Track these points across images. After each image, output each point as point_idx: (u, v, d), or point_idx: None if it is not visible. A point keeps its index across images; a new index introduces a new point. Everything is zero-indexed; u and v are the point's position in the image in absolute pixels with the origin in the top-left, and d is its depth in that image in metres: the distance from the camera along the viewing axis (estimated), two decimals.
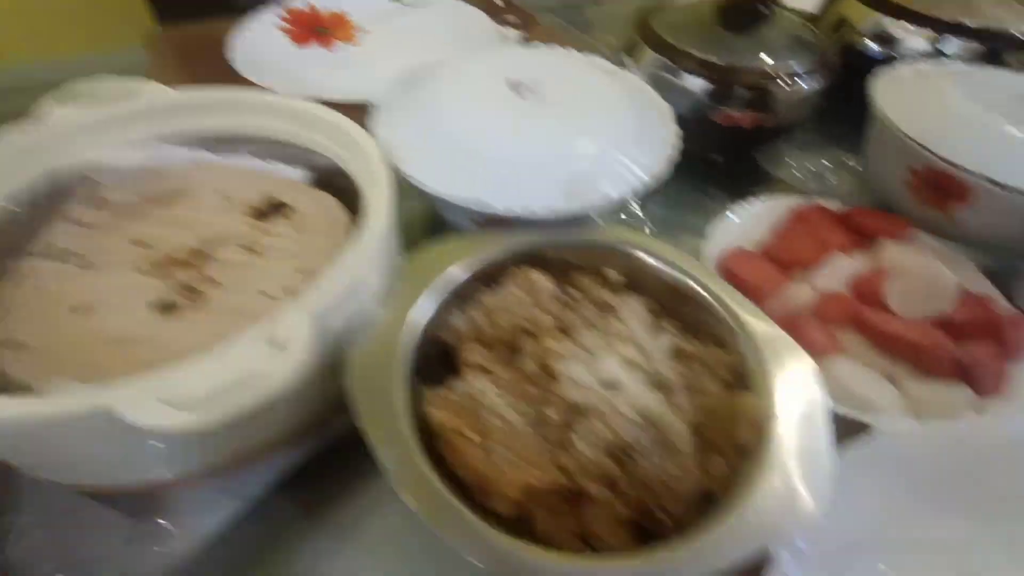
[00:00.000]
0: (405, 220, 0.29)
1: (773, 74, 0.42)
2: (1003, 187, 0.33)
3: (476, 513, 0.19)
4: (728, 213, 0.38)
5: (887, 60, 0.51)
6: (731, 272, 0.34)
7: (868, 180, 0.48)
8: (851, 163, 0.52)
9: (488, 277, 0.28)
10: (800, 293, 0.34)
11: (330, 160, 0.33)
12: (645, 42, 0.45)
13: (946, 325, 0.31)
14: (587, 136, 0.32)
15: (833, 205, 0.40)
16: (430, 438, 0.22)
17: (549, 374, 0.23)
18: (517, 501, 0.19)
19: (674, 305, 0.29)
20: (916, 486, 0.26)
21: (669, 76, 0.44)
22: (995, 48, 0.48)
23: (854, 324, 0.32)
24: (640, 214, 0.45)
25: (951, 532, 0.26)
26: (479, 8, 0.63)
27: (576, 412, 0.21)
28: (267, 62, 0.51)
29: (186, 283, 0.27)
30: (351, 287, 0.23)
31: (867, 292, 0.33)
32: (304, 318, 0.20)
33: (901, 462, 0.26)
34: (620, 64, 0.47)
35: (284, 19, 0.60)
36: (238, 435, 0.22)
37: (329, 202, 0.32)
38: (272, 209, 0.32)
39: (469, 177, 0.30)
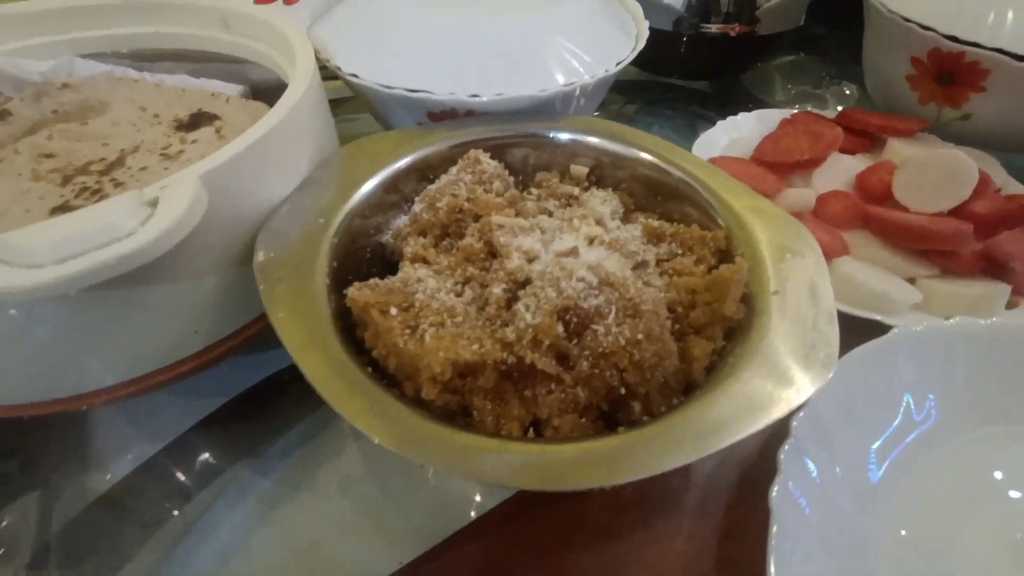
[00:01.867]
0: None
1: None
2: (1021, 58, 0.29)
3: (403, 402, 0.15)
4: (711, 129, 0.34)
5: None
6: None
7: (867, 97, 0.44)
8: (847, 90, 0.48)
9: (433, 172, 0.25)
10: (798, 195, 0.30)
11: (269, 72, 0.30)
12: None
13: (968, 216, 0.27)
14: (543, 28, 0.28)
15: (829, 115, 0.36)
16: (353, 331, 0.18)
17: (494, 253, 0.20)
18: (448, 383, 0.16)
19: (654, 196, 0.25)
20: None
21: None
22: None
23: (862, 222, 0.28)
24: None
25: None
26: None
27: (525, 285, 0.18)
28: None
29: (88, 186, 0.24)
30: (251, 156, 0.19)
31: (874, 189, 0.29)
32: (187, 179, 0.17)
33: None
34: None
35: None
36: (127, 326, 0.19)
37: (263, 111, 0.29)
38: (198, 121, 0.29)
39: (410, 70, 0.26)
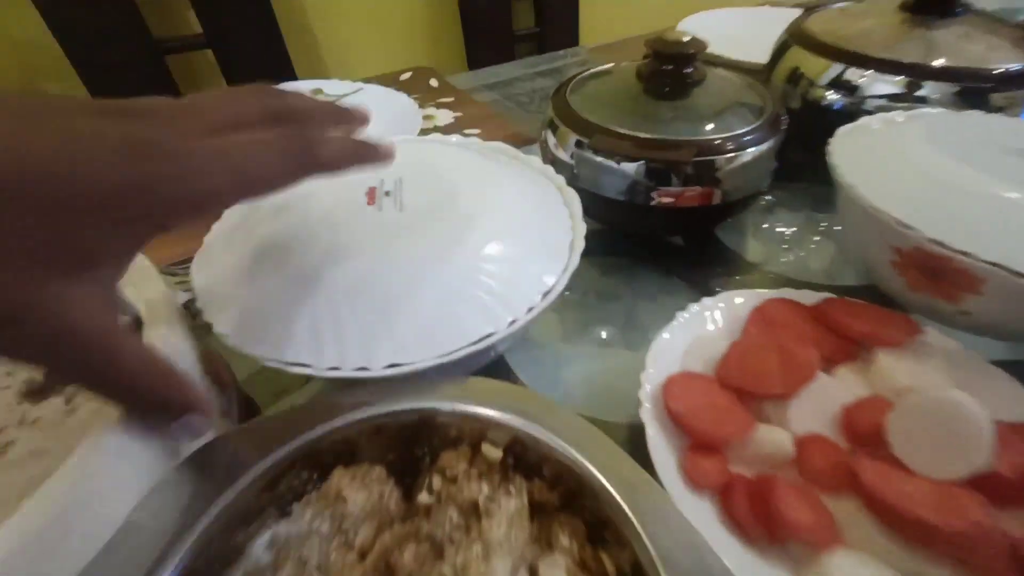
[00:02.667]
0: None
1: (713, 143, 0.35)
2: (1021, 275, 0.25)
3: None
4: (663, 332, 0.29)
5: (852, 111, 0.45)
6: (674, 412, 0.25)
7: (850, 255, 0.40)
8: (829, 225, 0.44)
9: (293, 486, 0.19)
10: (773, 441, 0.24)
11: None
12: (563, 121, 0.39)
13: (990, 485, 0.22)
14: (458, 252, 0.24)
15: (805, 296, 0.32)
16: None
17: None
18: None
19: (572, 492, 0.20)
20: None
21: (596, 158, 0.37)
22: (973, 89, 0.41)
23: (850, 488, 0.23)
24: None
25: None
26: (412, 92, 0.59)
27: None
28: None
29: None
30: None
31: (864, 431, 0.24)
32: None
33: None
34: (545, 150, 0.41)
35: None
36: None
37: None
38: (51, 381, 0.24)
39: (290, 326, 0.22)
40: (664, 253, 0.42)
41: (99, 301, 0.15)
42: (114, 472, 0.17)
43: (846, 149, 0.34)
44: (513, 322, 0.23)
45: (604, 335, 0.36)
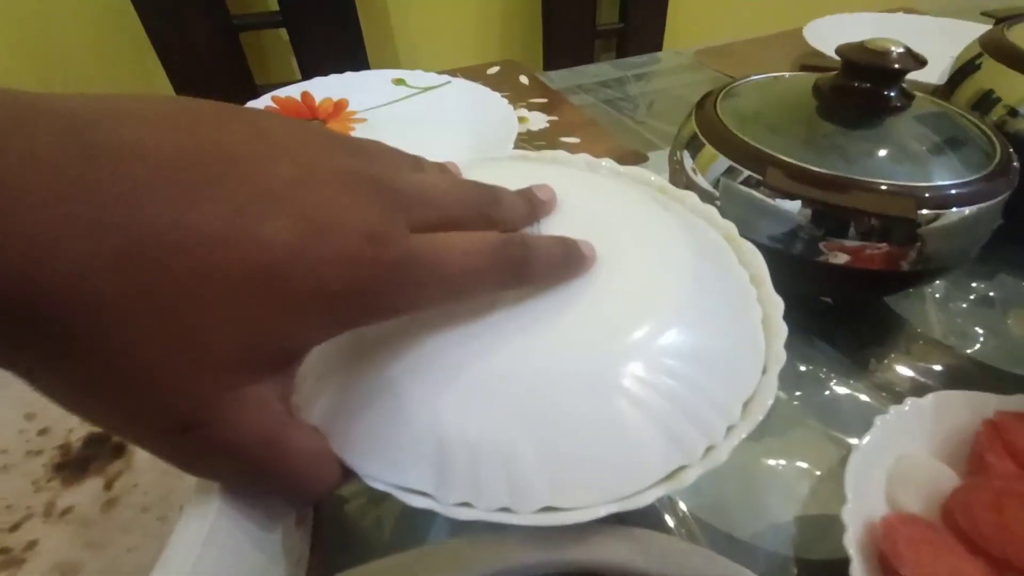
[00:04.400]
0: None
1: (914, 193, 0.27)
2: None
3: None
4: (860, 445, 0.22)
5: None
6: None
7: None
8: None
9: None
10: None
11: None
12: (709, 140, 0.32)
13: None
14: (632, 344, 0.17)
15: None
16: None
17: None
18: None
19: None
20: None
21: (749, 191, 0.30)
22: None
23: None
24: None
25: None
26: (501, 89, 0.53)
27: None
28: None
29: None
30: None
31: None
32: None
33: None
34: (678, 173, 0.34)
35: (273, 110, 0.52)
36: None
37: None
38: (92, 452, 0.19)
39: (403, 435, 0.16)
40: (811, 315, 0.34)
41: (277, 395, 0.13)
42: None
43: None
44: (711, 449, 0.16)
45: None
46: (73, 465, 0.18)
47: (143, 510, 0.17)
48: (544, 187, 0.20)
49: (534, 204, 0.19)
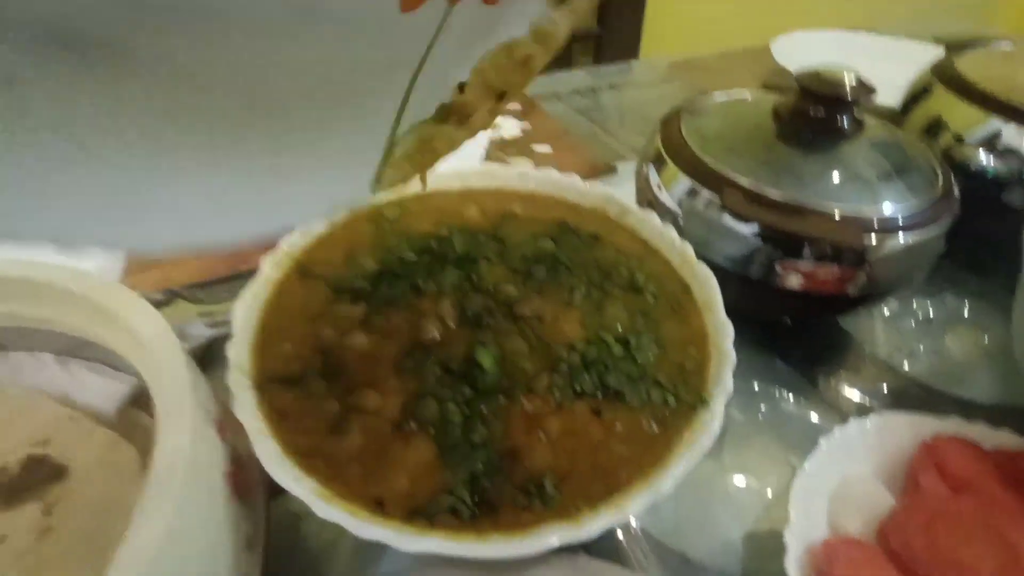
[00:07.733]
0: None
1: (861, 220, 0.28)
2: None
3: None
4: (805, 467, 0.22)
5: (1015, 181, 0.37)
6: None
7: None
8: (976, 315, 0.37)
9: None
10: None
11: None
12: (673, 159, 0.32)
13: None
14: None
15: (984, 435, 0.25)
16: None
17: None
18: None
19: None
20: None
21: (708, 212, 0.30)
22: None
23: None
24: None
25: None
26: None
27: None
28: None
29: None
30: None
31: None
32: None
33: None
34: (644, 189, 0.34)
35: None
36: None
37: (124, 455, 0.18)
38: (30, 474, 0.18)
39: None
40: (769, 346, 0.35)
41: None
42: None
43: None
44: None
45: None
46: (14, 488, 0.17)
47: (87, 539, 0.16)
48: None
49: None
